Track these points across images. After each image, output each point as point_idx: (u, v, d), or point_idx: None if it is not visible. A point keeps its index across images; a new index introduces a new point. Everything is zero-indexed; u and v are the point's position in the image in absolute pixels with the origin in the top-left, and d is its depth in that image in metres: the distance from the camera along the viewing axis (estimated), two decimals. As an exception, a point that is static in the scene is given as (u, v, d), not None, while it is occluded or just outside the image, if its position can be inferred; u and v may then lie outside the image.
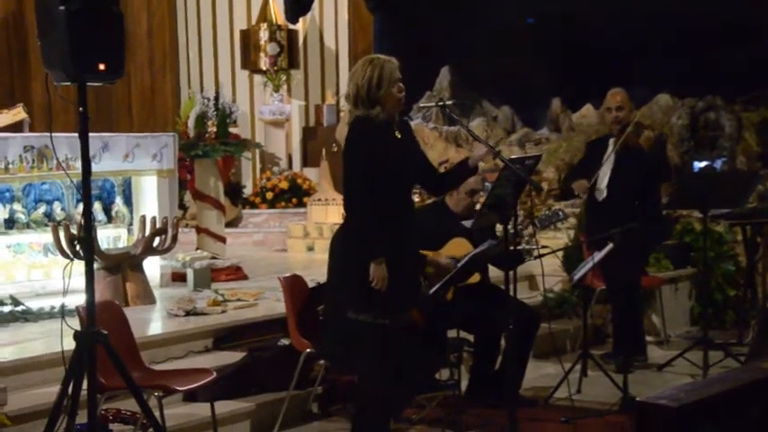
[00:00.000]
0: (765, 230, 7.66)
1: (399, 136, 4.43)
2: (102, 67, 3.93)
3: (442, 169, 11.17)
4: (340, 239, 4.57)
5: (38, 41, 3.95)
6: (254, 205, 11.61)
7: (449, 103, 4.65)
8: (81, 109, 3.97)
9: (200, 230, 8.13)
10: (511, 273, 4.66)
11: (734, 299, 7.67)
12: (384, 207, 4.31)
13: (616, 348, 6.40)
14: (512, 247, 4.78)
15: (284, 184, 11.62)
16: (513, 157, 4.60)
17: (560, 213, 5.62)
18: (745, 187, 6.32)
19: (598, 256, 5.44)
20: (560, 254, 7.28)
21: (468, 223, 5.26)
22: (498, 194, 4.46)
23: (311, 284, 5.69)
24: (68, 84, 3.96)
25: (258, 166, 12.58)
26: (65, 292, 4.10)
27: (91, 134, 7.17)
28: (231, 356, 5.67)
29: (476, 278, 5.51)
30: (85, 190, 4.03)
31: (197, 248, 7.94)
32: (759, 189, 8.99)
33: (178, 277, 7.48)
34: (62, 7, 3.81)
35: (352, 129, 4.38)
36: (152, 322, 6.25)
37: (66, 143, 6.39)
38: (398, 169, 4.36)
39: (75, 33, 3.83)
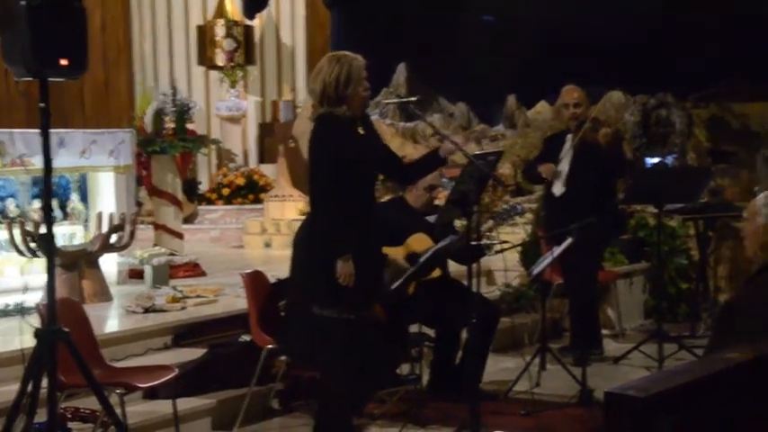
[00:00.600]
0: (717, 225, 7.82)
1: (362, 132, 4.45)
2: (64, 62, 3.91)
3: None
4: (304, 236, 4.57)
5: (-2, 37, 3.91)
6: (210, 201, 11.54)
7: (413, 99, 4.67)
8: (42, 105, 3.94)
9: (157, 227, 8.08)
10: (474, 267, 4.70)
11: (686, 292, 7.81)
12: (350, 204, 4.34)
13: (573, 342, 6.49)
14: (474, 242, 4.82)
15: (241, 181, 11.58)
16: (476, 153, 4.63)
17: (519, 208, 5.68)
18: (698, 183, 6.44)
19: (557, 250, 5.51)
20: (518, 249, 7.36)
21: (431, 219, 5.29)
22: (462, 190, 4.51)
23: (271, 281, 5.69)
24: (29, 79, 3.93)
25: (214, 162, 12.51)
26: (24, 290, 4.06)
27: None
28: (191, 353, 5.65)
29: (437, 273, 5.55)
30: (47, 187, 4.01)
31: (154, 245, 7.89)
32: (711, 185, 9.16)
33: (135, 274, 7.43)
34: (23, 2, 3.78)
35: (317, 126, 4.38)
36: (110, 320, 6.20)
37: (21, 139, 6.31)
38: (364, 166, 4.39)
39: (36, 28, 3.81)
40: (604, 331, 7.26)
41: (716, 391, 2.59)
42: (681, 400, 2.47)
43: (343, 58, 4.36)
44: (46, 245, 4.00)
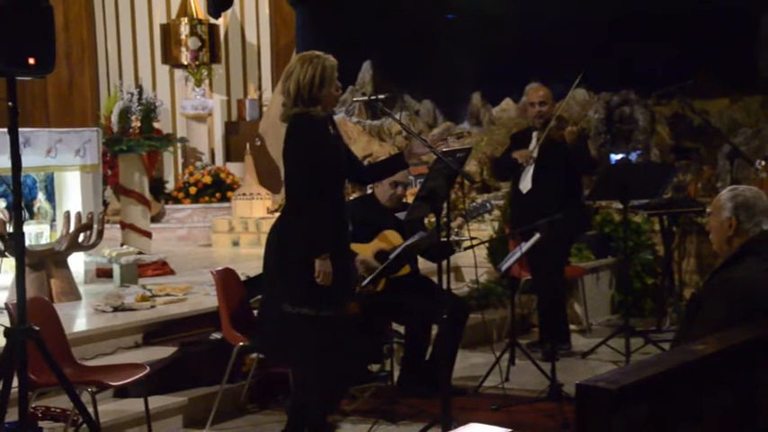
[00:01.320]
0: (681, 220, 7.92)
1: (332, 132, 4.48)
2: (31, 61, 3.88)
3: (365, 163, 11.26)
4: (277, 234, 4.59)
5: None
6: (177, 200, 11.51)
7: (381, 97, 4.70)
8: (11, 104, 3.92)
9: (124, 226, 8.05)
10: (444, 264, 4.74)
11: (652, 287, 7.91)
12: (327, 202, 4.37)
13: (542, 337, 6.55)
14: (445, 239, 4.86)
15: (207, 179, 11.56)
16: (444, 149, 4.68)
17: (488, 205, 5.73)
18: (662, 179, 6.53)
19: (525, 246, 5.57)
20: (486, 245, 7.42)
21: (401, 215, 5.32)
22: (431, 187, 4.55)
23: (241, 278, 5.70)
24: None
25: (180, 160, 12.48)
26: (-5, 289, 4.04)
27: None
28: (161, 351, 5.65)
29: (406, 269, 5.59)
30: (16, 186, 3.98)
31: (122, 244, 7.86)
32: (674, 181, 9.29)
33: (103, 273, 7.40)
34: (-11, 0, 3.76)
35: (294, 127, 4.39)
36: (79, 318, 6.17)
37: (-12, 138, 6.26)
38: (338, 164, 4.42)
39: (3, 27, 3.78)
40: (572, 326, 7.33)
41: (685, 381, 2.65)
42: (651, 392, 2.53)
43: (316, 59, 4.38)
44: (16, 244, 3.97)
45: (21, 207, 4.05)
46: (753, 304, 3.10)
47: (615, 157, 10.70)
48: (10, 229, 5.85)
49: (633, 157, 10.73)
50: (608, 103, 11.20)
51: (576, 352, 6.69)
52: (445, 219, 4.77)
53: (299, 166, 4.36)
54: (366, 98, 5.14)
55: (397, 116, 12.31)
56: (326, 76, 4.34)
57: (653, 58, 10.99)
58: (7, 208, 6.95)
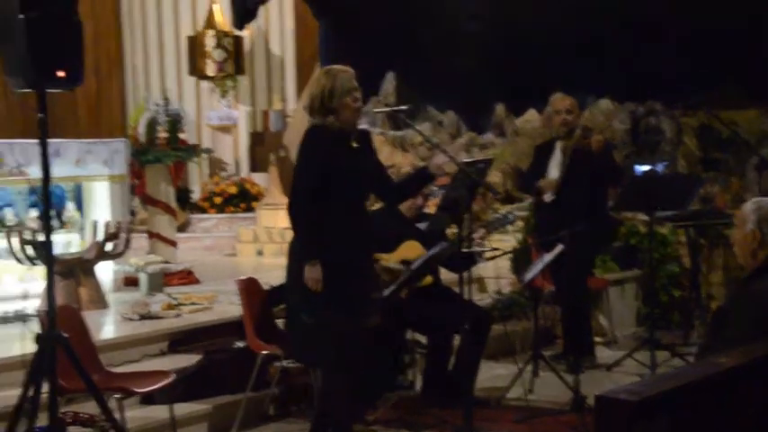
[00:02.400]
0: (708, 232, 7.88)
1: (355, 145, 4.52)
2: (61, 74, 3.97)
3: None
4: (292, 244, 4.67)
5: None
6: (202, 210, 11.60)
7: (402, 108, 4.77)
8: (41, 115, 4.00)
9: (151, 235, 8.13)
10: (465, 274, 4.76)
11: (679, 300, 7.85)
12: (334, 212, 4.42)
13: (566, 349, 6.54)
14: (466, 249, 4.89)
15: (233, 189, 11.64)
16: (466, 160, 4.71)
17: (510, 216, 5.75)
18: (688, 190, 6.50)
19: (547, 257, 5.57)
20: (508, 256, 7.41)
21: (422, 226, 5.35)
22: (452, 197, 4.57)
23: (267, 287, 5.74)
24: (27, 91, 3.99)
25: (206, 171, 12.57)
26: (24, 297, 4.12)
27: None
28: (187, 359, 5.69)
29: (428, 280, 5.61)
30: (45, 196, 4.06)
31: (149, 253, 7.94)
32: (701, 192, 9.25)
33: (130, 282, 7.48)
34: (21, 15, 3.84)
35: (305, 137, 4.53)
36: (107, 326, 6.25)
37: (18, 149, 6.36)
38: (351, 177, 4.45)
39: (34, 41, 3.87)
40: (597, 339, 7.32)
41: (707, 394, 2.65)
42: (673, 404, 2.53)
43: (331, 71, 4.51)
44: (46, 252, 4.04)
45: (50, 217, 4.12)
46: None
47: (641, 168, 10.67)
48: (41, 237, 5.94)
49: (660, 168, 10.69)
50: (633, 113, 11.19)
51: (600, 364, 6.65)
52: (467, 229, 4.80)
53: (299, 176, 4.49)
54: (388, 109, 5.19)
55: (419, 127, 12.38)
56: (337, 86, 4.41)
57: (680, 68, 10.97)
58: (39, 217, 7.05)
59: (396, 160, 11.94)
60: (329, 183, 4.44)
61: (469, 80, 12.47)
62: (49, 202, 4.06)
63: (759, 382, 2.80)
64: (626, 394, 2.44)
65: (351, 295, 4.44)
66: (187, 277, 7.89)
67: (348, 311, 4.44)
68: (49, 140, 7.00)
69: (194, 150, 8.42)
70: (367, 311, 4.54)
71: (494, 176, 11.11)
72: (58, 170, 6.98)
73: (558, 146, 6.51)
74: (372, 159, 4.65)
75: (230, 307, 6.53)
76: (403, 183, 4.94)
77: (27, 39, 3.87)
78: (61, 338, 3.97)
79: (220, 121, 12.41)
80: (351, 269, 4.45)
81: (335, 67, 4.59)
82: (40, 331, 4.11)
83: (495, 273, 7.66)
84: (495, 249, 5.47)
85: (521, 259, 7.43)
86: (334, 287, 4.39)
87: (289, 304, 4.86)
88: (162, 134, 7.98)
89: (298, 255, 4.55)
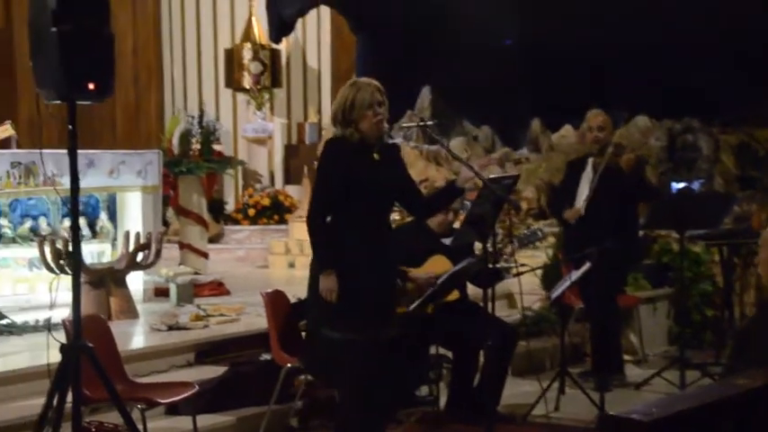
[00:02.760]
0: (742, 252, 7.78)
1: (377, 158, 4.51)
2: (91, 86, 4.03)
3: (422, 188, 11.26)
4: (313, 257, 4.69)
5: (30, 61, 4.04)
6: (236, 222, 11.67)
7: (430, 123, 4.77)
8: (71, 127, 4.06)
9: (183, 246, 8.19)
10: (489, 290, 4.74)
11: (711, 319, 7.76)
12: (352, 224, 4.42)
13: (594, 367, 6.49)
14: (490, 265, 4.87)
15: (266, 201, 11.69)
16: (492, 176, 4.70)
17: (539, 233, 5.72)
18: (720, 209, 6.44)
19: (575, 274, 5.54)
20: (539, 272, 7.38)
21: (447, 241, 5.34)
22: (478, 213, 4.56)
23: (292, 300, 5.77)
24: (58, 102, 4.05)
25: (240, 183, 12.66)
26: (52, 306, 4.17)
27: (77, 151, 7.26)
28: (213, 371, 5.72)
29: (455, 295, 5.59)
30: (74, 206, 4.10)
31: (180, 264, 8.00)
32: (736, 211, 9.14)
33: (161, 292, 7.53)
34: (54, 28, 3.90)
35: (324, 148, 4.56)
36: (135, 336, 6.30)
37: (52, 159, 6.44)
38: (369, 189, 4.45)
39: (66, 54, 3.92)
40: (627, 357, 7.25)
41: (727, 416, 2.62)
42: (687, 426, 2.50)
43: (357, 83, 4.54)
44: (73, 262, 4.09)
45: (78, 227, 4.17)
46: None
47: (677, 185, 10.58)
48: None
49: (696, 185, 10.58)
50: (670, 130, 11.09)
51: (629, 383, 6.59)
52: (499, 245, 4.79)
53: (316, 185, 4.54)
54: (413, 124, 5.20)
55: (454, 141, 12.39)
56: (359, 98, 4.44)
57: (718, 85, 10.87)
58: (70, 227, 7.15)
59: (430, 174, 11.93)
60: (348, 195, 4.44)
61: (505, 95, 12.45)
62: (77, 213, 4.10)
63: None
64: (639, 415, 2.42)
65: (366, 308, 4.43)
66: (218, 288, 7.93)
67: (362, 325, 4.43)
68: (83, 151, 7.16)
69: (227, 162, 8.47)
70: (382, 325, 4.52)
71: (528, 192, 11.07)
72: (92, 180, 7.10)
73: (590, 162, 6.47)
74: (398, 173, 4.63)
75: (258, 319, 6.55)
76: (432, 197, 4.93)
77: (59, 51, 3.93)
78: (86, 348, 4.01)
79: (255, 134, 12.49)
80: (367, 282, 4.44)
81: (362, 79, 4.62)
82: (65, 341, 4.15)
83: (524, 289, 7.62)
84: (523, 265, 5.44)
85: (551, 275, 7.39)
86: (349, 300, 4.40)
87: (308, 318, 4.87)
88: (195, 146, 8.04)
89: (315, 267, 4.56)
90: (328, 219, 4.51)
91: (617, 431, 2.43)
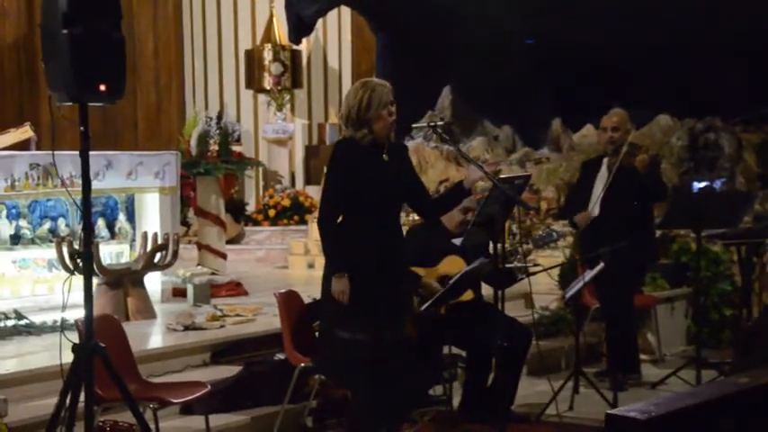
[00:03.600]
0: (761, 251, 7.73)
1: (386, 158, 4.53)
2: (103, 88, 4.06)
3: (441, 188, 11.23)
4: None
5: (42, 63, 4.08)
6: (256, 222, 11.72)
7: (439, 123, 4.78)
8: (82, 128, 4.10)
9: (201, 247, 8.23)
10: (500, 290, 4.74)
11: (730, 318, 7.73)
12: (362, 225, 4.43)
13: (610, 366, 6.47)
14: (503, 266, 4.87)
15: (286, 202, 11.73)
16: (503, 176, 4.70)
17: (554, 234, 5.72)
18: (738, 208, 6.40)
19: (589, 274, 5.53)
20: (555, 272, 7.36)
21: (457, 241, 5.34)
22: (487, 213, 4.56)
23: (308, 300, 5.79)
24: (71, 104, 4.09)
25: (261, 183, 12.71)
26: (64, 307, 4.21)
27: (95, 152, 7.34)
28: (228, 370, 5.76)
29: (469, 295, 5.59)
30: (85, 207, 4.14)
31: (198, 264, 8.05)
32: (757, 210, 9.07)
33: (179, 293, 7.59)
34: (65, 31, 3.94)
35: (334, 149, 4.57)
36: (152, 336, 6.35)
37: (70, 161, 6.50)
38: (379, 190, 4.46)
39: (77, 56, 3.96)
40: (644, 356, 7.23)
41: (723, 414, 2.61)
42: (685, 423, 2.50)
43: (369, 83, 4.53)
44: (84, 263, 4.14)
45: (90, 227, 4.21)
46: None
47: (698, 184, 10.51)
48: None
49: (717, 184, 10.51)
50: (692, 129, 11.02)
51: (645, 382, 6.57)
52: (516, 244, 4.79)
53: (327, 186, 4.55)
54: (423, 124, 5.20)
55: (474, 141, 12.38)
56: (374, 99, 4.44)
57: (741, 84, 10.80)
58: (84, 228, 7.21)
59: (449, 174, 11.93)
60: (358, 196, 4.46)
61: (526, 95, 12.42)
62: (89, 213, 4.14)
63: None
64: (636, 412, 2.42)
65: (375, 309, 4.45)
66: (236, 289, 7.97)
67: (371, 326, 4.44)
68: (101, 153, 7.23)
69: (245, 163, 8.51)
70: (392, 326, 4.53)
71: (548, 192, 11.04)
72: (111, 182, 7.17)
73: (605, 163, 6.46)
74: (407, 173, 4.65)
75: (274, 319, 6.56)
76: (439, 198, 4.94)
77: (70, 54, 3.96)
78: (98, 348, 4.05)
79: (275, 135, 12.54)
80: (377, 283, 4.46)
81: (373, 79, 4.64)
82: (78, 341, 4.19)
83: (542, 289, 7.61)
84: (536, 265, 5.43)
85: (568, 275, 7.38)
86: (358, 301, 4.41)
87: (321, 318, 4.89)
88: (213, 147, 8.08)
89: (327, 268, 4.58)
90: (339, 220, 4.54)
91: (615, 429, 2.43)
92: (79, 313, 5.31)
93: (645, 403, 2.52)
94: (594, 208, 6.33)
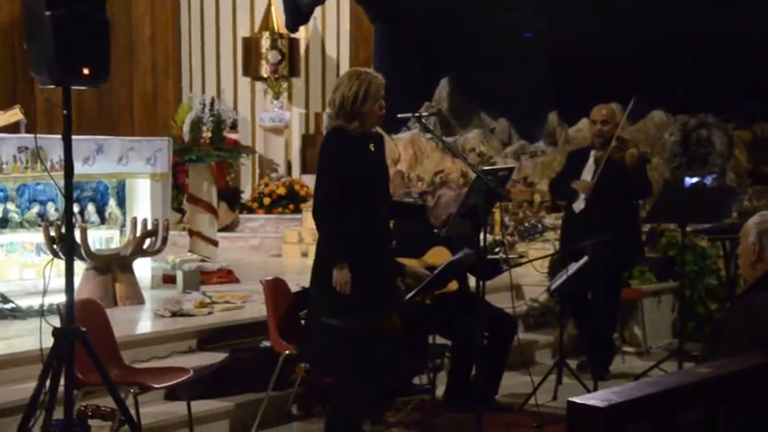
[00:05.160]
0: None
1: (373, 149, 4.56)
2: (86, 71, 4.05)
3: (437, 179, 11.21)
4: (319, 247, 4.72)
5: (25, 45, 4.09)
6: (251, 210, 11.74)
7: (425, 114, 4.80)
8: (65, 112, 4.10)
9: (192, 233, 8.25)
10: (483, 282, 4.77)
11: (715, 312, 7.75)
12: (353, 215, 4.45)
13: (588, 358, 6.50)
14: (488, 257, 4.90)
15: (282, 191, 11.75)
16: (486, 168, 4.72)
17: (539, 226, 5.75)
18: (723, 203, 6.42)
19: (573, 267, 5.55)
20: (545, 264, 7.38)
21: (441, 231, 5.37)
22: (471, 204, 4.59)
23: (296, 289, 5.82)
24: (54, 87, 4.10)
25: (257, 171, 12.72)
26: (45, 291, 4.22)
27: (86, 137, 7.35)
28: (214, 357, 5.78)
29: (454, 285, 5.63)
30: (68, 191, 4.17)
31: (189, 251, 8.07)
32: (746, 206, 9.09)
33: (169, 279, 7.61)
34: (48, 12, 3.94)
35: (326, 139, 4.56)
36: (139, 322, 6.38)
37: (59, 145, 6.48)
38: (370, 180, 4.49)
39: (60, 38, 3.95)
40: (630, 349, 7.28)
41: (688, 404, 2.64)
42: (649, 412, 2.53)
43: (364, 75, 4.51)
44: (66, 247, 4.16)
45: (72, 212, 4.24)
46: (773, 331, 3.06)
47: (690, 180, 10.54)
48: (78, 232, 6.10)
49: (708, 180, 10.54)
50: (685, 125, 11.05)
51: (629, 374, 6.61)
52: (502, 236, 4.82)
53: (322, 178, 4.51)
54: (409, 114, 5.21)
55: (470, 134, 12.39)
56: (371, 92, 4.44)
57: (734, 81, 10.81)
58: (80, 213, 7.23)
59: (445, 165, 11.95)
60: (351, 186, 4.47)
61: (523, 88, 12.44)
62: (71, 197, 4.16)
63: (744, 393, 2.77)
64: (597, 400, 2.45)
65: (367, 299, 4.48)
66: (227, 276, 7.99)
67: (363, 315, 4.48)
68: (92, 137, 7.25)
69: (237, 151, 8.51)
70: (382, 315, 4.57)
71: (542, 185, 11.06)
72: (101, 167, 7.19)
73: (593, 155, 6.47)
74: (385, 166, 4.69)
75: (262, 307, 6.54)
76: (397, 204, 4.97)
77: (53, 36, 3.95)
78: (78, 332, 4.06)
79: (272, 123, 12.55)
80: (369, 272, 4.48)
81: (368, 71, 4.60)
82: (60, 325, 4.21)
83: (533, 280, 7.63)
84: (522, 257, 5.46)
85: (557, 267, 7.39)
86: (352, 290, 4.43)
87: (310, 306, 4.92)
88: (206, 134, 8.09)
89: (320, 258, 4.60)
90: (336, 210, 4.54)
91: (576, 416, 2.46)
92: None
93: (606, 391, 2.55)
94: (580, 202, 6.35)
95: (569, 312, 6.39)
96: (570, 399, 2.46)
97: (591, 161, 6.42)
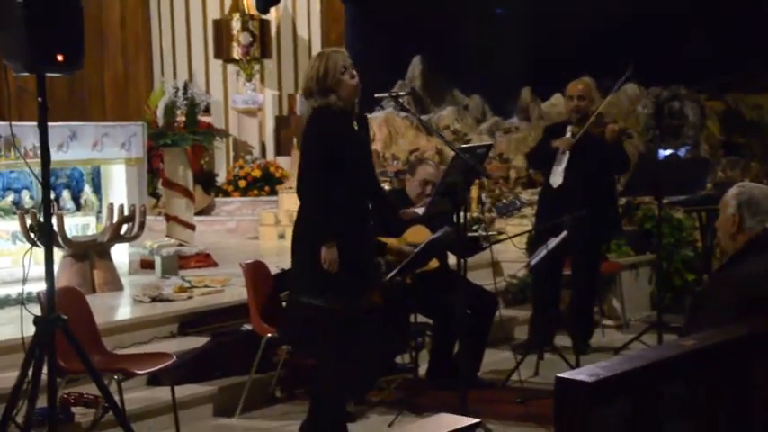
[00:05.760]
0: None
1: (356, 127, 4.56)
2: (60, 58, 4.01)
3: (412, 157, 11.21)
4: (295, 226, 4.71)
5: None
6: (226, 193, 11.69)
7: (401, 93, 4.80)
8: (40, 99, 4.06)
9: (169, 218, 8.21)
10: (463, 259, 4.78)
11: (693, 284, 7.83)
12: (339, 194, 4.45)
13: (569, 332, 6.55)
14: (468, 234, 4.91)
15: (257, 173, 11.70)
16: (464, 146, 4.73)
17: (517, 202, 5.75)
18: (698, 175, 6.47)
19: (552, 243, 5.58)
20: (523, 240, 7.41)
21: (420, 210, 5.37)
22: (450, 182, 4.59)
23: (276, 271, 5.81)
24: (27, 74, 4.06)
25: (231, 154, 12.66)
26: (24, 279, 4.19)
27: (59, 123, 7.27)
28: (196, 341, 5.78)
29: (434, 264, 5.64)
30: (45, 178, 4.13)
31: (166, 236, 8.03)
32: (720, 177, 9.18)
33: (147, 264, 7.57)
34: (20, -1, 3.90)
35: (313, 118, 4.54)
36: (119, 308, 6.35)
37: (33, 132, 6.40)
38: (354, 158, 4.49)
39: (32, 25, 3.91)
40: (609, 322, 7.34)
41: (672, 377, 2.67)
42: (634, 386, 2.55)
43: (323, 53, 4.60)
44: (44, 235, 4.13)
45: (50, 199, 4.20)
46: (754, 302, 3.09)
47: (664, 152, 10.61)
48: (54, 220, 6.04)
49: (682, 152, 10.62)
50: (657, 97, 11.11)
51: (609, 347, 6.67)
52: (480, 213, 4.83)
53: (309, 157, 4.50)
54: (385, 94, 5.20)
55: (444, 111, 12.39)
56: (330, 65, 4.46)
57: (706, 52, 10.87)
58: (56, 200, 7.17)
59: (420, 144, 11.96)
60: (335, 163, 4.46)
61: (496, 65, 12.45)
62: (48, 185, 4.12)
63: (727, 365, 2.80)
64: (585, 375, 2.47)
65: (351, 278, 4.49)
66: (205, 260, 7.97)
67: (346, 294, 4.48)
68: (66, 123, 7.17)
69: (212, 134, 8.47)
70: (364, 294, 4.58)
71: (517, 160, 11.10)
72: (76, 153, 7.11)
73: (569, 131, 6.48)
74: (369, 146, 4.69)
75: (242, 290, 6.56)
76: (382, 195, 4.97)
77: (26, 22, 3.91)
78: (59, 320, 4.05)
79: (245, 105, 12.48)
80: (352, 252, 4.49)
81: (327, 48, 4.70)
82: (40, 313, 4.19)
83: (511, 257, 7.66)
84: (501, 233, 5.47)
85: (536, 244, 7.42)
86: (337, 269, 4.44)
87: (290, 287, 4.91)
88: (180, 118, 8.04)
89: (303, 237, 4.59)
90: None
91: (564, 392, 2.47)
92: (44, 286, 5.30)
93: (593, 366, 2.57)
94: (557, 177, 6.36)
95: (544, 288, 6.43)
96: (558, 375, 2.47)
97: (568, 136, 6.42)
